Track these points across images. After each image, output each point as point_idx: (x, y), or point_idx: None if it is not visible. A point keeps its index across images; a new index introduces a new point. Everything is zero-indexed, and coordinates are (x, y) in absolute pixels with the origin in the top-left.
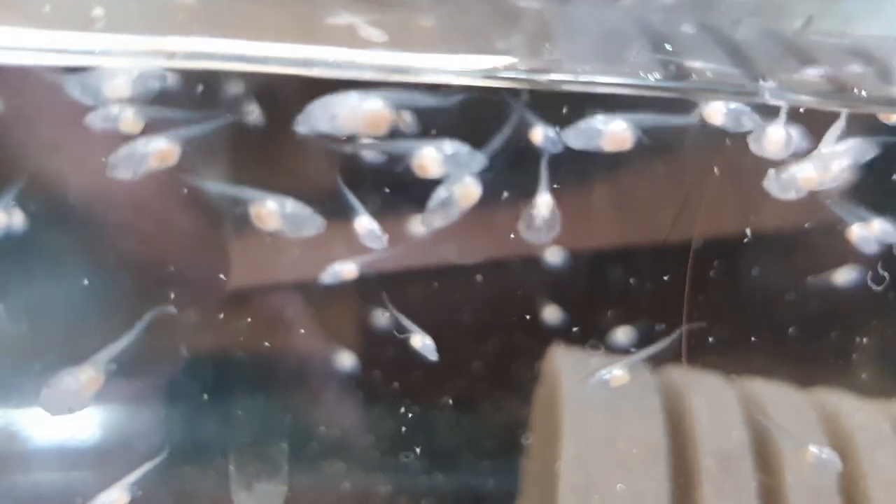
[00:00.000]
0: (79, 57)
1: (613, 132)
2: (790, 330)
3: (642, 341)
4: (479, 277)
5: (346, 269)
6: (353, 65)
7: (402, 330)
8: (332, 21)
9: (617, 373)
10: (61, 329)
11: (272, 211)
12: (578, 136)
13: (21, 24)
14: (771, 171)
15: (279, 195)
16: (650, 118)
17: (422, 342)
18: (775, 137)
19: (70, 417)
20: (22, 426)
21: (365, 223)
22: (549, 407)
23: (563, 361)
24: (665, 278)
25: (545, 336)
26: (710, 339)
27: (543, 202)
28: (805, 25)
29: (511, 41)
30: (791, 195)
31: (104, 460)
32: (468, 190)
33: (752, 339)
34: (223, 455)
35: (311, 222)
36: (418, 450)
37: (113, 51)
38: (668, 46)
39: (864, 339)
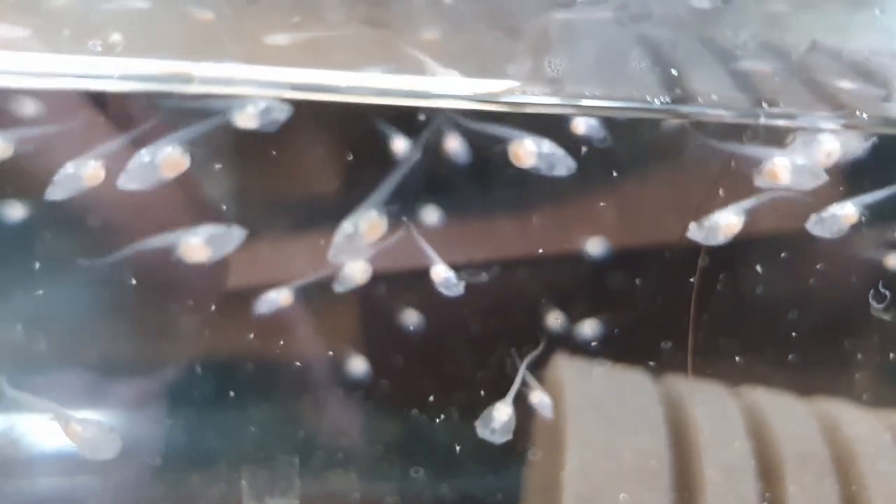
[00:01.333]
0: (98, 81)
1: (167, 160)
2: (792, 339)
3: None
4: (482, 284)
5: (282, 297)
6: (355, 89)
7: (526, 385)
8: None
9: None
10: (63, 334)
11: (529, 150)
12: (133, 178)
13: (40, 50)
14: (692, 224)
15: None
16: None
17: (539, 399)
18: (829, 148)
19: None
20: (25, 432)
21: (441, 272)
22: (553, 416)
23: (566, 370)
24: (669, 288)
25: (548, 344)
26: (712, 350)
27: (503, 409)
28: (809, 50)
29: (513, 61)
30: (720, 240)
31: (107, 466)
32: (373, 224)
33: (754, 348)
34: (232, 467)
35: (563, 163)
36: (423, 459)
37: (132, 75)
38: (674, 71)
39: (865, 349)
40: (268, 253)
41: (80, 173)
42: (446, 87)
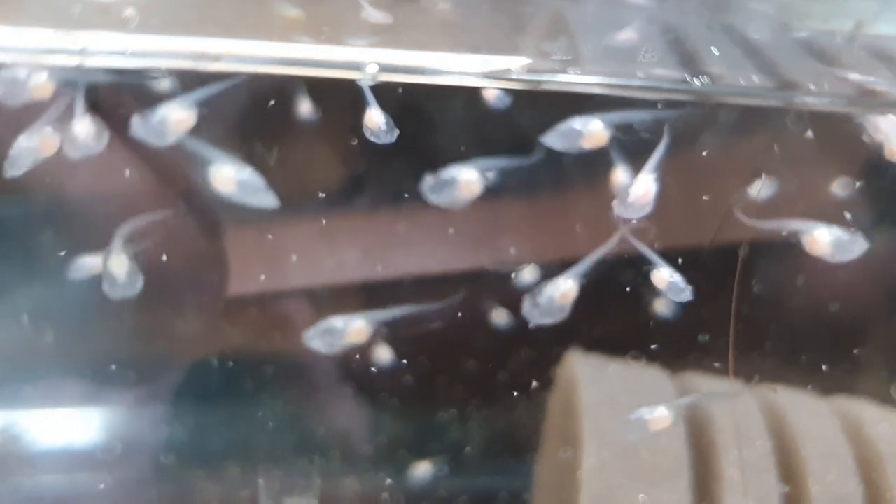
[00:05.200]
0: (110, 59)
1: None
2: (813, 339)
3: None
4: (495, 281)
5: (93, 264)
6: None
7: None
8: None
9: None
10: (62, 332)
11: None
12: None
13: (51, 26)
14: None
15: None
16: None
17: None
18: None
19: (73, 419)
20: (25, 428)
21: (665, 275)
22: (567, 414)
23: (581, 368)
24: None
25: (561, 341)
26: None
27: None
28: (855, 30)
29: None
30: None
31: (108, 463)
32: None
33: (773, 347)
34: (249, 466)
35: None
36: (438, 457)
37: (148, 52)
38: (714, 50)
39: (888, 349)
40: (269, 251)
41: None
42: (457, 64)
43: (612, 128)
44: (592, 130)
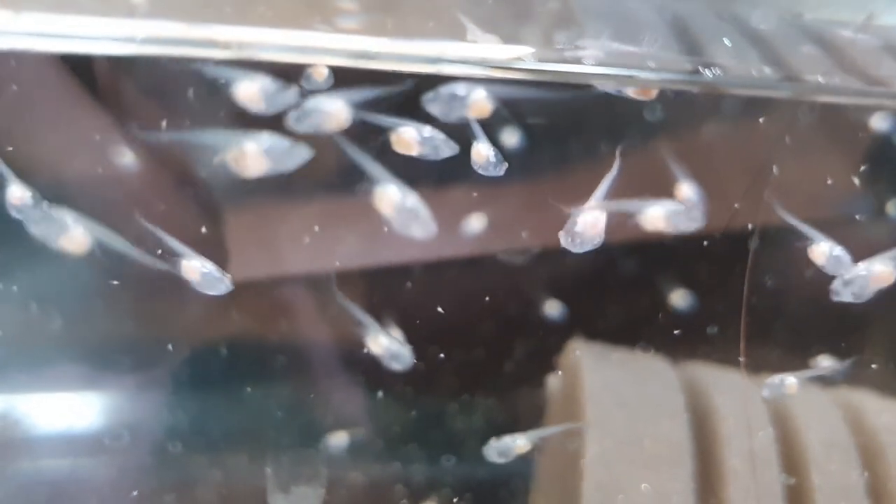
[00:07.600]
0: (119, 45)
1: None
2: (816, 327)
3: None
4: (497, 268)
5: None
6: (367, 54)
7: None
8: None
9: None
10: (63, 316)
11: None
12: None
13: (57, 11)
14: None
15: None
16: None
17: None
18: None
19: (74, 405)
20: (25, 412)
21: (825, 249)
22: (569, 402)
23: (584, 356)
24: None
25: (563, 329)
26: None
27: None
28: (867, 20)
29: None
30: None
31: (109, 447)
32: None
33: (779, 337)
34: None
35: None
36: (441, 445)
37: (158, 39)
38: (727, 41)
39: (890, 338)
40: (270, 237)
41: None
42: (457, 53)
43: (496, 101)
44: (475, 100)
